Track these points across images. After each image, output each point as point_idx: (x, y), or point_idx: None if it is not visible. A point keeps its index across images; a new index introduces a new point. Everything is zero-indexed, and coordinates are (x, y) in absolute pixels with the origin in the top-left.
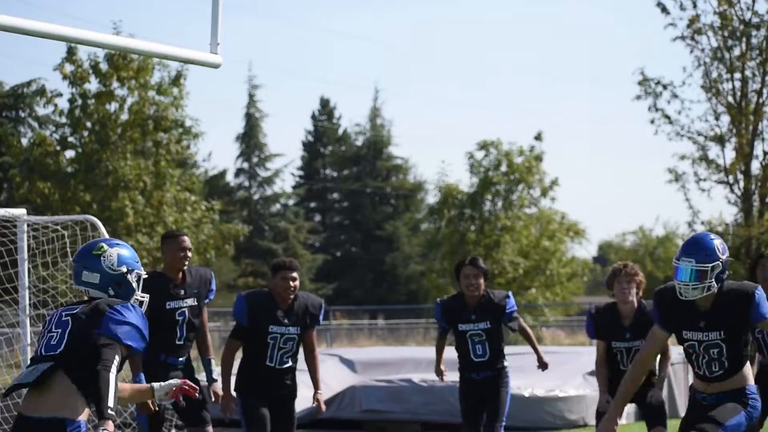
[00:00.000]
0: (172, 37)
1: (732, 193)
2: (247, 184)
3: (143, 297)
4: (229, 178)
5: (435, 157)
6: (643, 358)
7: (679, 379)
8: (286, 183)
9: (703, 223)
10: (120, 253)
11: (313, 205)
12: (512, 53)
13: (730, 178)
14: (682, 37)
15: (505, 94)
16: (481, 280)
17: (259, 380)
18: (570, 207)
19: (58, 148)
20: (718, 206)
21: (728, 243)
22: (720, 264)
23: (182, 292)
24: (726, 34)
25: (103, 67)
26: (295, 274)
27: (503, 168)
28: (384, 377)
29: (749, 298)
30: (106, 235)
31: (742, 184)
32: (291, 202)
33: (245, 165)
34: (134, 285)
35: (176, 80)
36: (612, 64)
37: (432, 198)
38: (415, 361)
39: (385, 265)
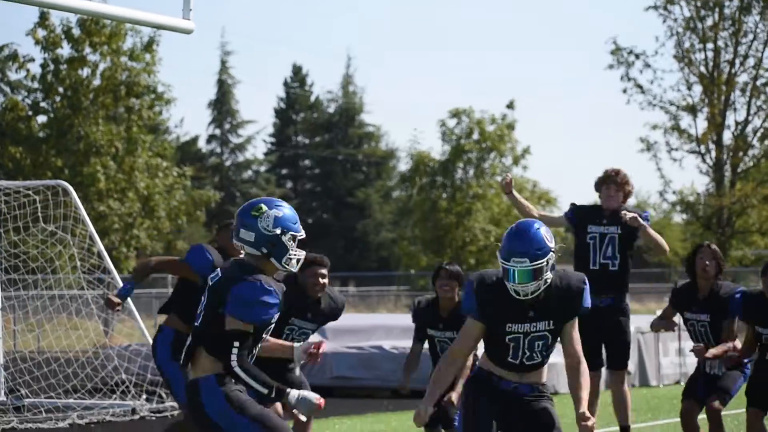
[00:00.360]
0: (145, 2)
1: (704, 163)
2: (218, 150)
3: (299, 254)
4: (201, 144)
5: (407, 124)
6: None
7: (649, 347)
8: (257, 149)
9: (674, 192)
10: (277, 215)
11: (284, 171)
12: (485, 21)
13: (702, 148)
14: (655, 7)
15: (477, 62)
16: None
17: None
18: (542, 176)
19: (30, 113)
20: (690, 176)
21: (700, 213)
22: (552, 254)
23: None
24: (698, 4)
25: (76, 32)
26: (325, 271)
27: (475, 136)
28: (355, 344)
29: (581, 291)
30: (78, 201)
31: (713, 153)
32: (263, 168)
33: (217, 131)
34: (288, 245)
35: (149, 46)
36: (585, 34)
37: (404, 166)
38: (386, 328)
39: (357, 232)
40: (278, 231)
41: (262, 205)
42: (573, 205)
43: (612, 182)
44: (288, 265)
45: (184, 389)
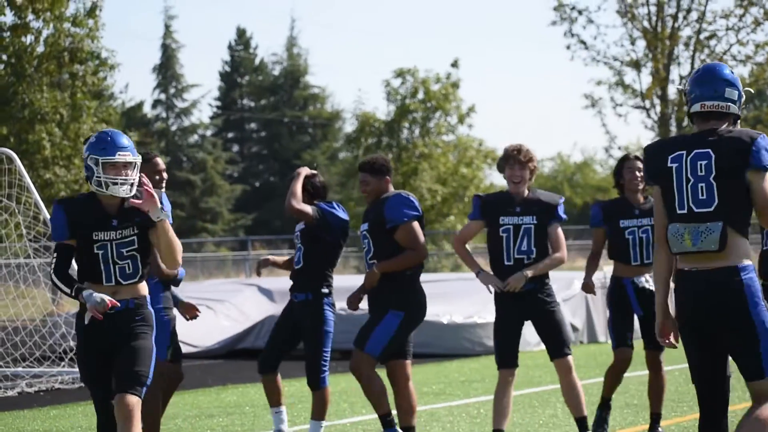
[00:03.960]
0: None
1: (649, 118)
2: (164, 115)
3: (104, 177)
4: (147, 109)
5: (352, 85)
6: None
7: (597, 303)
8: (203, 114)
9: (620, 148)
10: (90, 141)
11: (230, 135)
12: None
13: (647, 103)
14: None
15: (421, 21)
16: None
17: None
18: (487, 134)
19: None
20: (635, 131)
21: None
22: None
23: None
24: None
25: None
26: (366, 177)
27: (420, 95)
28: None
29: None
30: (22, 168)
31: (658, 108)
32: (209, 132)
33: (162, 96)
34: (94, 168)
35: (92, 12)
36: None
37: (349, 127)
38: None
39: None
40: (86, 155)
41: (90, 134)
42: (477, 198)
43: (515, 161)
44: (98, 186)
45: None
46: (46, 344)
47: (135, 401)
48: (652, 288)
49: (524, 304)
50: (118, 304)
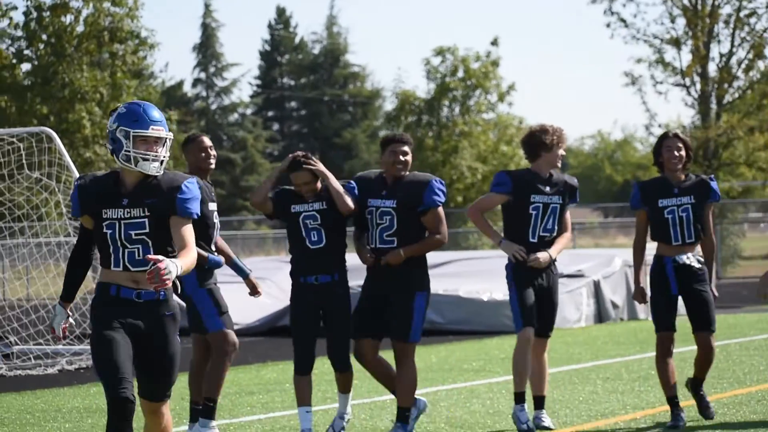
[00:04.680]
0: None
1: (689, 96)
2: (204, 94)
3: (136, 152)
4: (187, 88)
5: (392, 64)
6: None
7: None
8: (243, 92)
9: (660, 125)
10: (120, 111)
11: (270, 114)
12: None
13: (687, 81)
14: None
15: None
16: None
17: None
18: (528, 112)
19: (14, 61)
20: (676, 109)
21: None
22: None
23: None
24: None
25: None
26: (406, 148)
27: (460, 74)
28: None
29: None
30: (62, 147)
31: (698, 86)
32: (249, 111)
33: (202, 75)
34: (123, 141)
35: None
36: None
37: (389, 105)
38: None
39: (344, 172)
40: (114, 126)
41: (119, 105)
42: (505, 173)
43: (562, 142)
44: (126, 161)
45: (213, 317)
46: (86, 322)
47: (168, 412)
48: (694, 264)
49: (537, 278)
50: (62, 340)
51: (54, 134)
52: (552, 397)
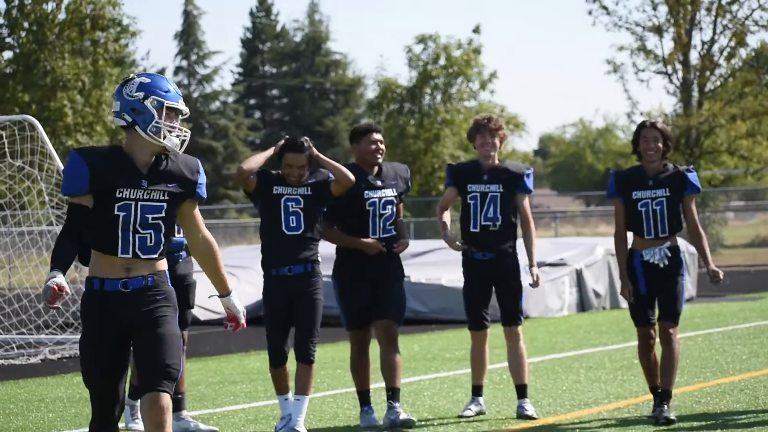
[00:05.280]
0: None
1: (671, 84)
2: (186, 82)
3: (168, 125)
4: (168, 76)
5: (373, 52)
6: None
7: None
8: (225, 80)
9: (642, 113)
10: (143, 81)
11: (252, 102)
12: None
13: (669, 68)
14: None
15: None
16: None
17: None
18: (509, 100)
19: None
20: (658, 97)
21: None
22: None
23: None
24: None
25: None
26: (381, 136)
27: (442, 62)
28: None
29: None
30: (44, 135)
31: (680, 74)
32: (230, 99)
33: (184, 63)
34: (153, 111)
35: None
36: None
37: (371, 93)
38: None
39: None
40: (140, 95)
41: (133, 75)
42: (449, 166)
43: (486, 130)
44: (155, 134)
45: None
46: (69, 311)
47: (168, 402)
48: (661, 264)
49: (489, 270)
50: (68, 291)
51: (36, 122)
52: (535, 386)
